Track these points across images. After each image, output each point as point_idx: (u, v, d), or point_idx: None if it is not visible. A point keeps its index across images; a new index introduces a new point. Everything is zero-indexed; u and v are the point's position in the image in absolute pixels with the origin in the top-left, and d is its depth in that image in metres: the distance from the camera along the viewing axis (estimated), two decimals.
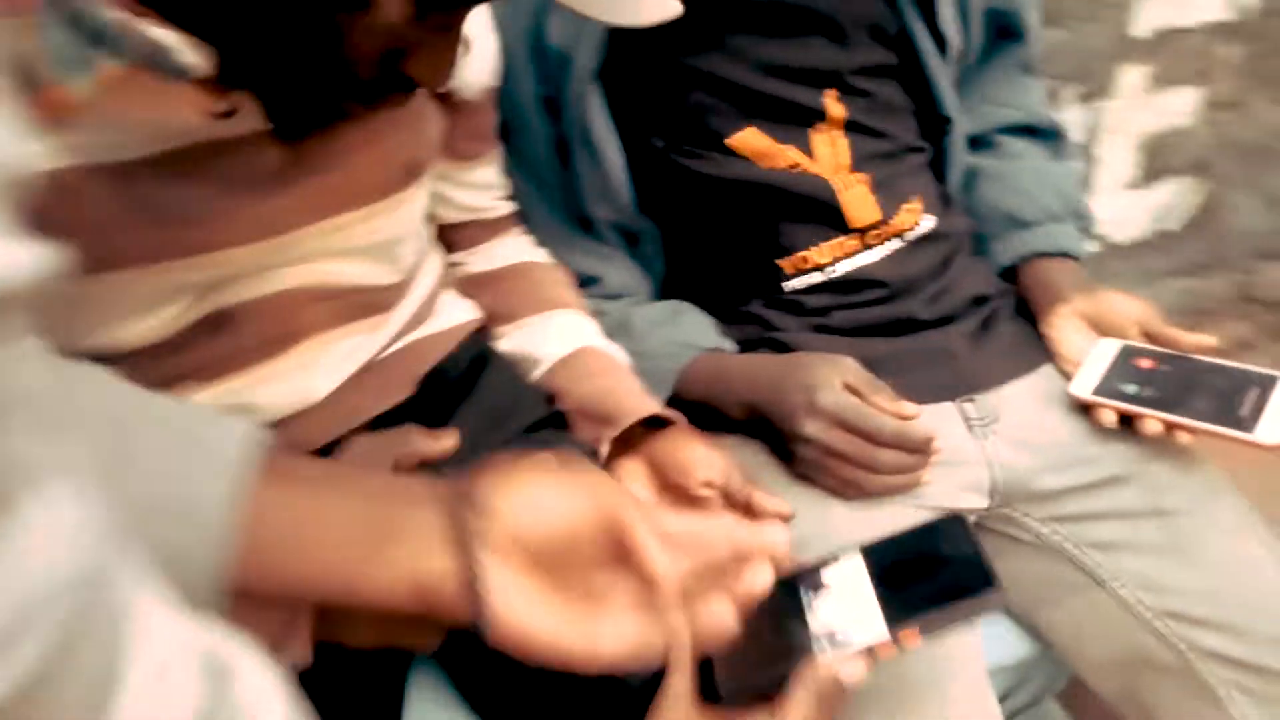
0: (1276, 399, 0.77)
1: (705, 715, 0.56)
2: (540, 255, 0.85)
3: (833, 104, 0.82)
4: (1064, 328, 0.86)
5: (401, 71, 0.48)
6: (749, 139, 0.82)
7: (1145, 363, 0.82)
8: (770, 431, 0.78)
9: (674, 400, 0.81)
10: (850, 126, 0.83)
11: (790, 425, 0.73)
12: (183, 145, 0.51)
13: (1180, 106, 1.55)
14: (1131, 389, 0.80)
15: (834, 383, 0.73)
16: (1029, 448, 0.81)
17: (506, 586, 0.39)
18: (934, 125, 0.88)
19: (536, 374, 0.78)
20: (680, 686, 0.53)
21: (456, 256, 0.83)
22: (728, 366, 0.81)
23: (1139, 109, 1.51)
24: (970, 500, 0.79)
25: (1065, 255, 0.90)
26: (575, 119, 0.81)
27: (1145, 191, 1.60)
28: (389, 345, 0.70)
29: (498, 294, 0.81)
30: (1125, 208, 1.60)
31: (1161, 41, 1.46)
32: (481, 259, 0.83)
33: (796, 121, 0.82)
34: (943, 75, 0.84)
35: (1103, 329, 0.85)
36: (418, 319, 0.73)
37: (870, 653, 0.54)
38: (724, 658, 0.56)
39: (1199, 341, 0.81)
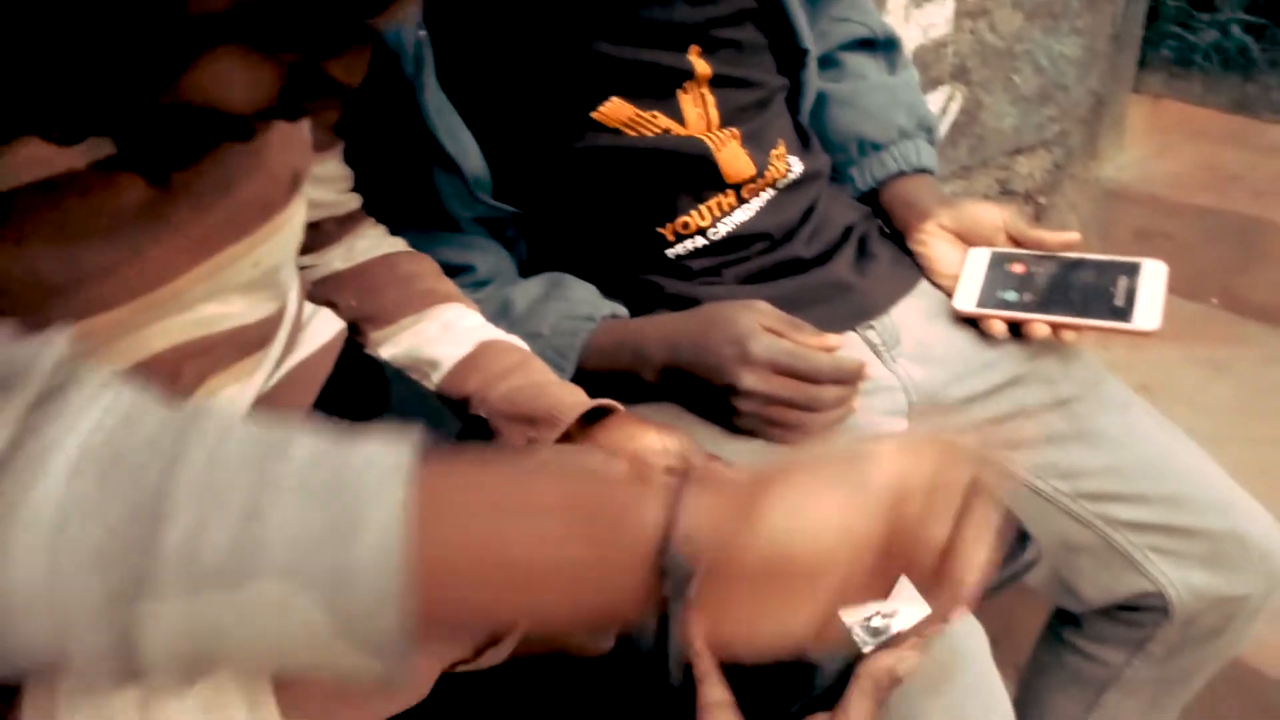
0: (1145, 285, 0.82)
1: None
2: (401, 245, 0.76)
3: (697, 61, 0.77)
4: (933, 244, 0.88)
5: (323, 72, 0.38)
6: (614, 110, 0.75)
7: (1017, 267, 0.84)
8: (690, 391, 0.74)
9: (577, 376, 0.75)
10: (716, 81, 0.78)
11: (726, 380, 0.69)
12: (15, 187, 0.39)
13: (939, 18, 1.63)
14: (1011, 296, 0.83)
15: (759, 329, 0.69)
16: (932, 361, 0.82)
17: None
18: (791, 60, 0.85)
19: (436, 379, 0.69)
20: (715, 696, 0.50)
21: (309, 259, 0.72)
22: (636, 331, 0.76)
23: (904, 24, 1.58)
24: (894, 423, 0.80)
25: (921, 170, 0.91)
26: (427, 118, 0.72)
27: None
28: (269, 380, 0.59)
29: (365, 293, 0.72)
30: None
31: None
32: (339, 257, 0.72)
33: (663, 85, 0.76)
34: (798, 5, 0.82)
35: (970, 239, 0.88)
36: (291, 344, 0.62)
37: (918, 637, 0.52)
38: (757, 680, 0.53)
39: (1064, 239, 0.85)
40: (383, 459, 0.33)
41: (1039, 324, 0.80)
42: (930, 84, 1.68)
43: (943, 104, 1.72)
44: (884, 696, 0.51)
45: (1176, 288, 2.06)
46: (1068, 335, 0.80)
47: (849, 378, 0.70)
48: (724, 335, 0.70)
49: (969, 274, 0.85)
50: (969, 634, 0.66)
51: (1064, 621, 0.91)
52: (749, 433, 0.72)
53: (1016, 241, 0.87)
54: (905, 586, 0.53)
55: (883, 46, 0.95)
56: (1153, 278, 0.84)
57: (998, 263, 0.85)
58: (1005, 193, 1.98)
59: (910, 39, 1.61)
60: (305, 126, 0.56)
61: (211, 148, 0.43)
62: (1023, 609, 1.02)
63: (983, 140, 1.85)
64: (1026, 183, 2.01)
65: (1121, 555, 0.80)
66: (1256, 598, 0.80)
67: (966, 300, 0.83)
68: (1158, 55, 2.02)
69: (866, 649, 0.52)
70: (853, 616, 0.54)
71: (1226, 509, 0.80)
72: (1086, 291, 0.82)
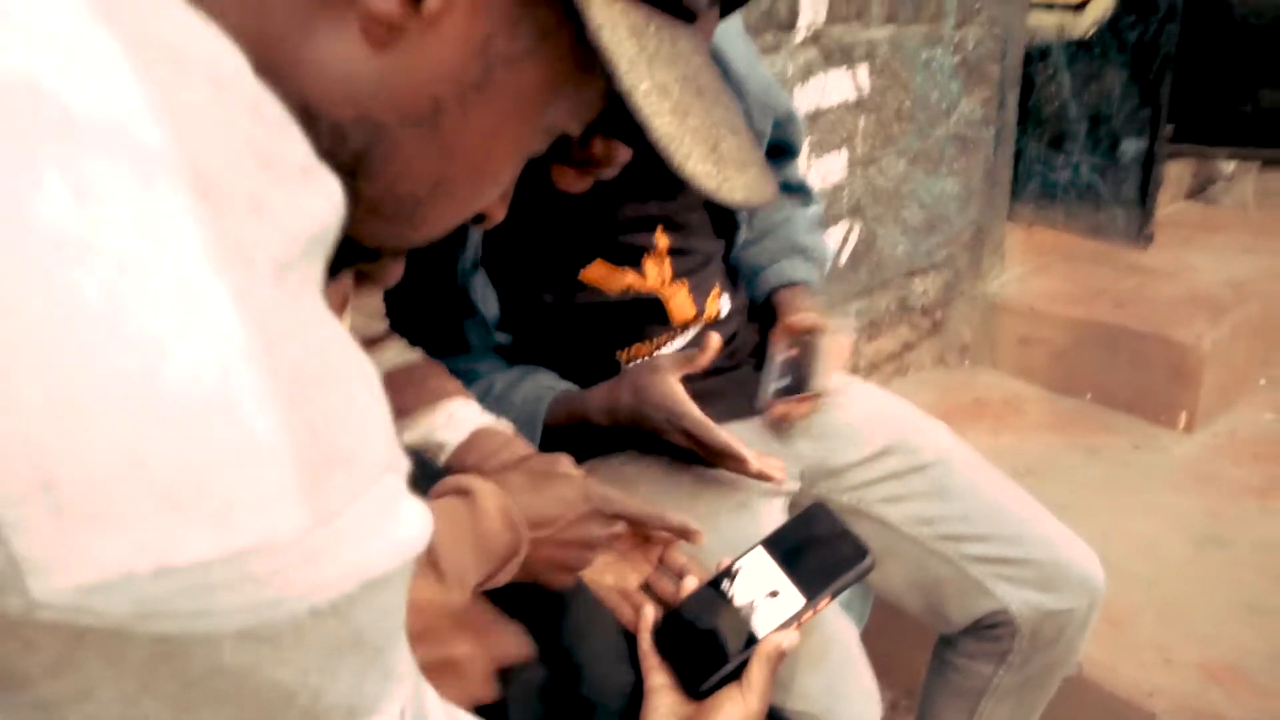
0: (821, 356, 1.03)
1: (689, 711, 0.74)
2: (418, 355, 0.98)
3: (660, 237, 1.02)
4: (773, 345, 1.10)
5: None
6: (595, 269, 1.00)
7: (783, 356, 1.06)
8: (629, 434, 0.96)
9: (545, 437, 0.97)
10: (673, 250, 1.03)
11: (659, 431, 0.92)
12: None
13: (836, 166, 1.95)
14: (780, 384, 1.03)
15: (670, 396, 0.92)
16: (818, 439, 1.06)
17: None
18: (729, 227, 1.11)
19: (443, 457, 0.91)
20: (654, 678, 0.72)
21: None
22: (582, 404, 0.96)
23: (808, 172, 1.89)
24: (790, 485, 1.03)
25: (793, 283, 1.15)
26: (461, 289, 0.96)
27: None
28: None
29: (389, 394, 0.93)
30: None
31: (814, 119, 1.85)
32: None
33: (633, 254, 1.00)
34: None
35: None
36: None
37: (797, 622, 0.74)
38: (686, 663, 0.74)
39: (802, 321, 1.07)
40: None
41: (799, 404, 1.01)
42: (831, 220, 1.98)
43: (843, 236, 2.03)
44: (775, 667, 0.73)
45: (1055, 385, 2.37)
46: (813, 405, 1.02)
47: (735, 461, 0.92)
48: (652, 408, 0.92)
49: (765, 371, 1.06)
50: (840, 625, 0.88)
51: (945, 645, 1.13)
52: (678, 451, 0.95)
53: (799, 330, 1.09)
54: (789, 585, 0.76)
55: (796, 189, 1.22)
56: (824, 347, 1.03)
57: (779, 355, 1.07)
58: (905, 308, 2.28)
59: (812, 182, 1.92)
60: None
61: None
62: (913, 642, 1.24)
63: (880, 265, 2.15)
64: (923, 299, 2.31)
65: (975, 583, 1.03)
66: (1080, 611, 1.03)
67: (761, 397, 1.02)
68: (1026, 190, 2.37)
69: (763, 629, 0.74)
70: (738, 589, 0.76)
71: (1050, 543, 1.04)
72: (803, 371, 1.03)
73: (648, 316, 1.02)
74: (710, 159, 0.41)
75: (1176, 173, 3.06)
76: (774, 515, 0.99)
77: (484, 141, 0.41)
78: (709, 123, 0.42)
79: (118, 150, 0.24)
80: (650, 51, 0.39)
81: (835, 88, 1.87)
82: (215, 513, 0.24)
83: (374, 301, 0.94)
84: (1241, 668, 1.43)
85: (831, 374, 1.01)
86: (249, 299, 0.25)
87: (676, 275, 1.03)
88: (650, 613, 0.79)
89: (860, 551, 0.77)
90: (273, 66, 0.31)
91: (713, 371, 1.04)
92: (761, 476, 0.90)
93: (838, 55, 1.85)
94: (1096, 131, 2.16)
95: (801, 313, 1.09)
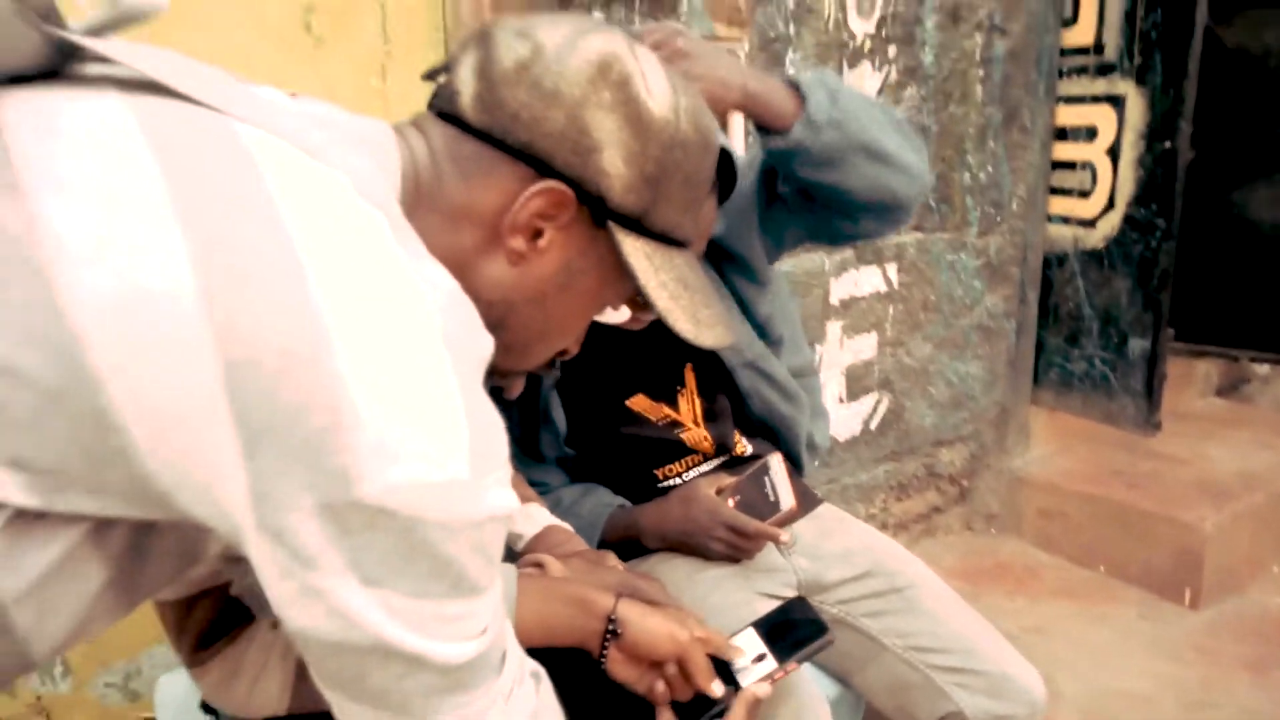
0: (778, 478, 1.28)
1: None
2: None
3: (689, 374, 1.33)
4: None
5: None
6: (638, 401, 1.32)
7: (735, 500, 1.28)
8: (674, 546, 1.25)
9: (601, 543, 1.26)
10: (699, 389, 1.35)
11: (704, 546, 1.21)
12: None
13: (866, 346, 2.27)
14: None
15: (715, 513, 1.21)
16: (815, 558, 1.33)
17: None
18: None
19: (520, 545, 1.21)
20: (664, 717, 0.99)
21: None
22: (635, 519, 1.27)
23: (840, 350, 2.21)
24: (787, 591, 1.29)
25: None
26: (541, 407, 1.29)
27: (854, 404, 2.28)
28: None
29: None
30: (842, 416, 2.26)
31: (848, 305, 2.18)
32: None
33: (668, 389, 1.32)
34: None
35: None
36: None
37: (770, 679, 1.01)
38: (690, 706, 1.01)
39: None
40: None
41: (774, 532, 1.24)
42: (862, 390, 2.28)
43: (873, 406, 2.32)
44: (753, 710, 0.98)
45: (1072, 556, 2.55)
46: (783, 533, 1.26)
47: (767, 536, 1.21)
48: (698, 526, 1.22)
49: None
50: (816, 701, 1.13)
51: None
52: (716, 558, 1.23)
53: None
54: (768, 653, 1.02)
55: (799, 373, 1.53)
56: (777, 468, 1.25)
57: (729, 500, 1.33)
58: (933, 474, 2.53)
59: (844, 360, 2.23)
60: None
61: None
62: None
63: (908, 433, 2.42)
64: (949, 468, 2.56)
65: (938, 689, 1.26)
66: (1021, 717, 1.25)
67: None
68: (1048, 378, 2.64)
69: (745, 682, 1.01)
70: (738, 666, 1.03)
71: (1000, 660, 1.26)
72: (761, 503, 1.26)
73: (679, 447, 1.33)
74: (691, 322, 0.73)
75: (1204, 371, 3.30)
76: (769, 607, 1.25)
77: (568, 312, 0.73)
78: (693, 303, 0.74)
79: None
80: (656, 265, 0.71)
81: (867, 281, 2.21)
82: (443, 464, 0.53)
83: None
84: None
85: (793, 494, 1.27)
86: (468, 387, 0.56)
87: (705, 418, 1.34)
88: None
89: (822, 630, 1.03)
90: (460, 274, 0.64)
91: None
92: (779, 541, 1.21)
93: (869, 255, 2.20)
94: (1107, 330, 2.44)
95: None
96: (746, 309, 1.33)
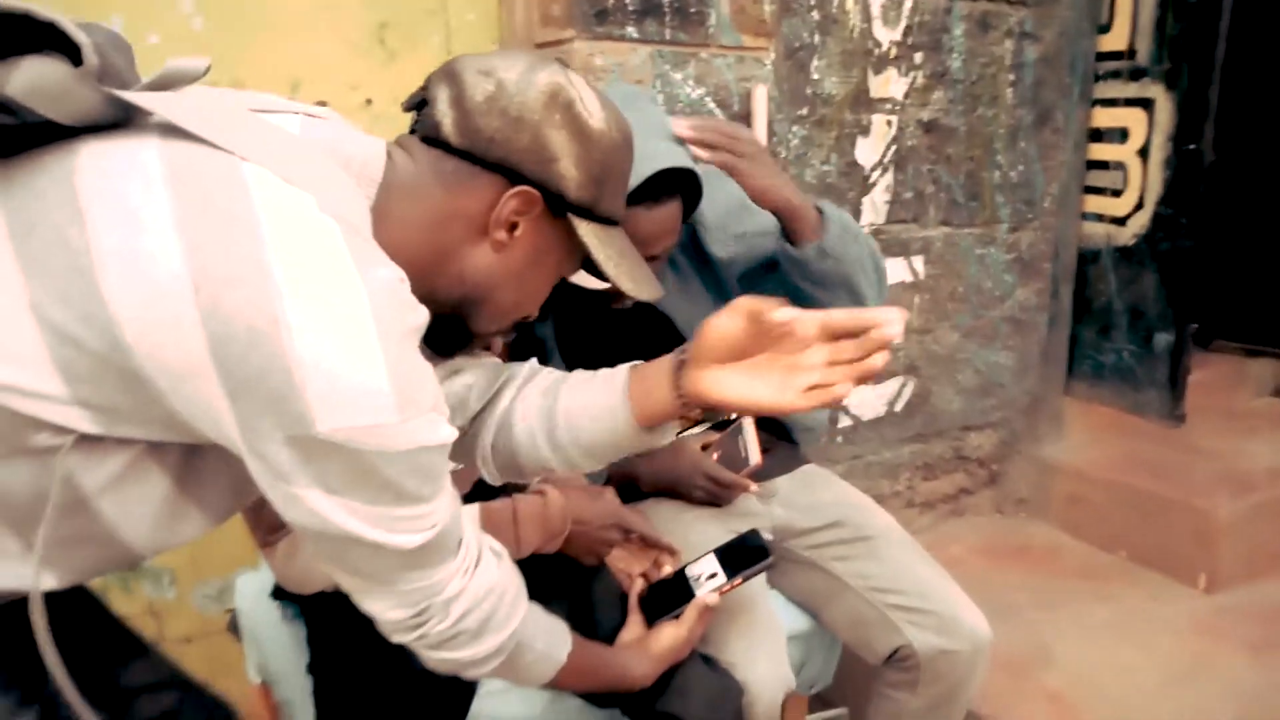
0: (748, 438, 1.49)
1: (646, 632, 1.22)
2: None
3: None
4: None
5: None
6: None
7: (716, 454, 1.53)
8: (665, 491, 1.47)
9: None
10: None
11: (688, 491, 1.43)
12: None
13: None
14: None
15: (698, 465, 1.43)
16: (789, 507, 1.53)
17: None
18: None
19: (534, 485, 1.44)
20: (634, 619, 1.20)
21: None
22: (637, 462, 1.48)
23: None
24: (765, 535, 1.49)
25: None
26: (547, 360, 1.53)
27: (878, 387, 2.44)
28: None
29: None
30: (867, 398, 2.42)
31: None
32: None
33: None
34: None
35: None
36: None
37: (719, 591, 1.21)
38: (651, 606, 1.23)
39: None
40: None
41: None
42: (887, 374, 2.44)
43: (898, 389, 2.48)
44: (704, 616, 1.20)
45: (1096, 541, 2.67)
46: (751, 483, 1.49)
47: (738, 486, 1.42)
48: (683, 474, 1.43)
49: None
50: (769, 618, 1.33)
51: (877, 679, 1.52)
52: (699, 502, 1.45)
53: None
54: (721, 572, 1.23)
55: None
56: (749, 430, 1.49)
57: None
58: (960, 458, 2.67)
59: None
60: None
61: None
62: (863, 680, 1.63)
63: (934, 416, 2.57)
64: (978, 452, 2.69)
65: (891, 624, 1.44)
66: (966, 653, 1.41)
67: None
68: (1081, 369, 2.74)
69: (699, 593, 1.22)
70: (693, 574, 1.24)
71: (949, 603, 1.43)
72: (736, 458, 1.50)
73: None
74: (631, 281, 0.93)
75: (1259, 371, 3.31)
76: None
77: (536, 284, 0.95)
78: (632, 268, 0.94)
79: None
80: (603, 241, 0.91)
81: (892, 271, 2.37)
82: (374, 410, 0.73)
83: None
84: None
85: (758, 450, 1.47)
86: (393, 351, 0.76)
87: None
88: (640, 584, 1.28)
89: (766, 555, 1.24)
90: (440, 265, 0.86)
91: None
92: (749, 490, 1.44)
93: (895, 248, 2.36)
94: (1136, 325, 2.53)
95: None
96: None
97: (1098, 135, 2.58)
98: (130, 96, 0.69)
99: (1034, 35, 2.42)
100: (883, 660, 1.47)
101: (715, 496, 1.46)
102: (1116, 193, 2.56)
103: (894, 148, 2.28)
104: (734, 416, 1.57)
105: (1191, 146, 2.33)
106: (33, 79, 0.66)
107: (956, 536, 2.65)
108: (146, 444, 0.74)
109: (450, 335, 0.92)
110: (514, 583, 0.94)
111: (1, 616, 0.78)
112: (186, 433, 0.73)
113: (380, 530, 0.76)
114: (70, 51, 0.68)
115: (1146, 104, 2.44)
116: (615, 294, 1.37)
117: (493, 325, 0.96)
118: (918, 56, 2.25)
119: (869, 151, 2.24)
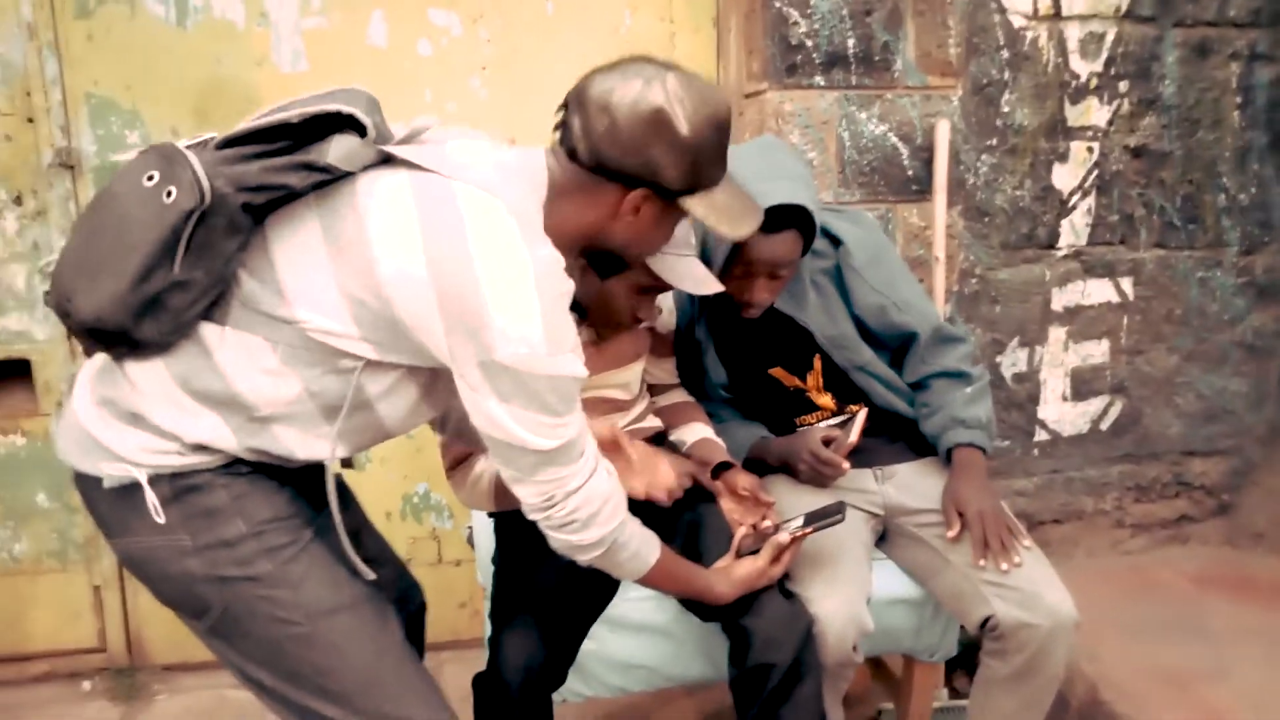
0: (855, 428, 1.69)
1: (737, 560, 1.54)
2: (688, 397, 1.91)
3: (816, 361, 1.84)
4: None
5: (637, 318, 1.55)
6: (778, 371, 1.86)
7: (826, 431, 1.78)
8: (784, 468, 1.79)
9: (746, 462, 1.82)
10: (824, 370, 1.85)
11: (796, 465, 1.74)
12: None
13: (1096, 352, 2.49)
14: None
15: (809, 447, 1.73)
16: (901, 489, 1.77)
17: None
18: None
19: (684, 449, 1.81)
20: (730, 554, 1.54)
21: (655, 398, 1.90)
22: (766, 446, 1.82)
23: (1064, 352, 2.46)
24: (876, 511, 1.75)
25: (962, 446, 1.85)
26: (703, 364, 1.89)
27: (1080, 404, 2.51)
28: (628, 425, 1.75)
29: (670, 415, 1.87)
30: (1068, 415, 2.51)
31: (1074, 313, 2.44)
32: (665, 399, 1.90)
33: (801, 368, 1.84)
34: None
35: None
36: (639, 418, 1.79)
37: (792, 535, 1.52)
38: (745, 547, 1.55)
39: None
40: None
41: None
42: (1091, 392, 2.50)
43: (1103, 408, 2.52)
44: (780, 554, 1.51)
45: None
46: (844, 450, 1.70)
47: (832, 461, 1.70)
48: (794, 452, 1.74)
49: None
50: (856, 568, 1.60)
51: (978, 649, 1.71)
52: (805, 478, 1.76)
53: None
54: (802, 525, 1.54)
55: (955, 375, 1.92)
56: (858, 422, 1.67)
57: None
58: (1181, 483, 2.63)
59: (1070, 362, 2.48)
60: (644, 338, 1.75)
61: (617, 332, 1.62)
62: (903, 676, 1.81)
63: (1148, 438, 2.57)
64: (1203, 479, 2.64)
65: (982, 596, 1.63)
66: (1044, 628, 1.57)
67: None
68: None
69: (781, 535, 1.53)
70: (781, 531, 1.55)
71: (1038, 581, 1.59)
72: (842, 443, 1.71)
73: (806, 404, 1.85)
74: (729, 226, 1.23)
75: None
76: (854, 522, 1.72)
77: (654, 239, 1.29)
78: (730, 216, 1.23)
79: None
80: (705, 206, 1.20)
81: (1097, 292, 2.45)
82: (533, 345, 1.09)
83: (669, 364, 1.90)
84: None
85: (858, 434, 1.71)
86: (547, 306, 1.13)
87: (825, 387, 1.84)
88: (743, 530, 1.62)
89: (841, 511, 1.52)
90: (592, 237, 1.25)
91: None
92: (842, 469, 1.71)
93: (1099, 269, 2.43)
94: None
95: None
96: (868, 334, 1.82)
97: None
98: (390, 149, 1.14)
99: (1267, 56, 2.38)
100: (976, 628, 1.67)
101: (816, 471, 1.74)
102: None
103: (1095, 172, 2.37)
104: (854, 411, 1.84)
105: None
106: (343, 151, 1.11)
107: (1171, 562, 2.62)
108: (407, 368, 1.18)
109: (611, 262, 1.42)
110: (617, 495, 1.31)
111: (309, 471, 1.27)
112: (428, 358, 1.15)
113: (528, 431, 1.13)
114: (357, 125, 1.12)
115: None
116: (744, 304, 1.71)
117: (635, 260, 1.41)
118: (1122, 85, 2.33)
119: (1066, 177, 2.36)
